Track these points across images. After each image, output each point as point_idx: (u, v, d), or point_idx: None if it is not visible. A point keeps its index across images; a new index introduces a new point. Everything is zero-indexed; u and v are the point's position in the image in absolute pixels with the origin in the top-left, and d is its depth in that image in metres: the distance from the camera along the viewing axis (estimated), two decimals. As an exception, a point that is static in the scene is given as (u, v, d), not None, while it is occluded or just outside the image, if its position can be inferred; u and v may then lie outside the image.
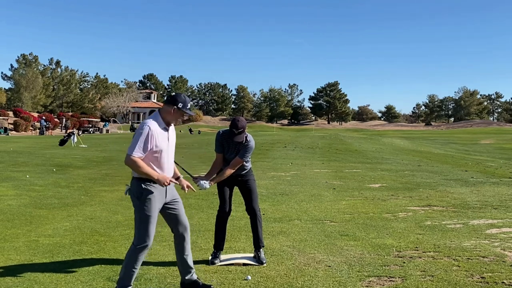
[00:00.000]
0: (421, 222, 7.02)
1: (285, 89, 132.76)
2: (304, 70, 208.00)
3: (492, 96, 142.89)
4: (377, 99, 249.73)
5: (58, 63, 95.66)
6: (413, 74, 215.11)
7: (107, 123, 70.82)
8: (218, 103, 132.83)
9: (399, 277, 4.52)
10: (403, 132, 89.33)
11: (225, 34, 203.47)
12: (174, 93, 4.07)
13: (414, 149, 32.94)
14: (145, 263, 4.60)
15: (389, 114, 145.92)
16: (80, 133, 36.54)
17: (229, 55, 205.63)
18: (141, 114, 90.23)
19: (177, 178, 4.20)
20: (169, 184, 3.92)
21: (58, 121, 63.91)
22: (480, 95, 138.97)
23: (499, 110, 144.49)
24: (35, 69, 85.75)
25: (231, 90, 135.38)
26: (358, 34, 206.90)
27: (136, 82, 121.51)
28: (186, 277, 4.18)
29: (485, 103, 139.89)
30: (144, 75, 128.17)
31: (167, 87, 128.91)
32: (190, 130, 62.76)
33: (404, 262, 4.99)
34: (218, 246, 5.06)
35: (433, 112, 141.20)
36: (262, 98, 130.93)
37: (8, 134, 46.26)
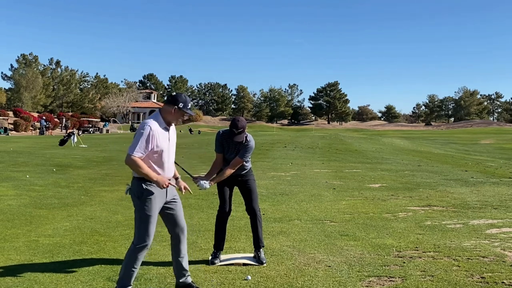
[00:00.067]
0: (421, 222, 7.02)
1: (285, 89, 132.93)
2: (304, 70, 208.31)
3: (492, 96, 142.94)
4: (377, 99, 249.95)
5: (58, 63, 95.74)
6: (413, 74, 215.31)
7: (107, 123, 70.82)
8: (218, 103, 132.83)
9: (399, 277, 4.52)
10: (403, 132, 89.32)
11: (225, 34, 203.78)
12: (175, 93, 4.06)
13: (414, 149, 32.95)
14: (145, 263, 4.60)
15: (389, 114, 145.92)
16: (80, 133, 36.56)
17: (229, 55, 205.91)
18: (141, 114, 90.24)
19: (176, 179, 4.21)
20: (167, 186, 3.92)
21: (58, 121, 63.92)
22: (480, 95, 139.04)
23: (499, 110, 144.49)
24: (35, 69, 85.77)
25: (231, 90, 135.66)
26: (358, 34, 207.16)
27: (136, 82, 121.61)
28: (180, 280, 4.15)
29: (485, 103, 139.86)
30: (144, 75, 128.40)
31: (167, 87, 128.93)
32: (190, 130, 62.78)
33: (404, 262, 4.99)
34: (218, 246, 5.06)
35: (433, 112, 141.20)
36: (262, 98, 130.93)
37: (8, 134, 46.27)
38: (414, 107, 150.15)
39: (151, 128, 3.81)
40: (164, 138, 3.92)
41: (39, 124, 54.61)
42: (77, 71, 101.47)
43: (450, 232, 6.41)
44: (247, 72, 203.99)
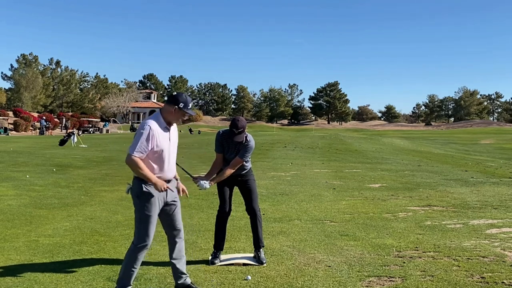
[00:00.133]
0: (421, 222, 7.02)
1: (285, 89, 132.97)
2: (304, 70, 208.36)
3: (492, 96, 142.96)
4: (377, 99, 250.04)
5: (58, 63, 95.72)
6: (413, 74, 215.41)
7: (107, 123, 70.80)
8: (218, 103, 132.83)
9: (399, 277, 4.52)
10: (403, 132, 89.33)
11: (225, 34, 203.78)
12: (175, 93, 4.04)
13: (414, 149, 32.95)
14: (145, 263, 4.60)
15: (389, 114, 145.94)
16: (80, 133, 36.55)
17: (229, 55, 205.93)
18: (141, 114, 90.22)
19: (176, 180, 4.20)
20: (166, 190, 3.91)
21: (58, 121, 63.91)
22: (480, 95, 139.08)
23: (499, 110, 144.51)
24: (35, 69, 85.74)
25: (231, 90, 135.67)
26: (358, 34, 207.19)
27: (136, 82, 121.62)
28: (179, 282, 4.13)
29: (485, 103, 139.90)
30: (144, 75, 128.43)
31: (167, 87, 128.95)
32: (190, 130, 62.80)
33: (404, 262, 4.99)
34: (218, 246, 5.06)
35: (433, 112, 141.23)
36: (262, 98, 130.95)
37: (8, 134, 46.26)
38: (414, 107, 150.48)
39: (151, 128, 3.80)
40: (164, 138, 3.91)
41: (39, 124, 54.60)
42: (77, 71, 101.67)
43: (450, 232, 6.41)
44: (247, 72, 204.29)
